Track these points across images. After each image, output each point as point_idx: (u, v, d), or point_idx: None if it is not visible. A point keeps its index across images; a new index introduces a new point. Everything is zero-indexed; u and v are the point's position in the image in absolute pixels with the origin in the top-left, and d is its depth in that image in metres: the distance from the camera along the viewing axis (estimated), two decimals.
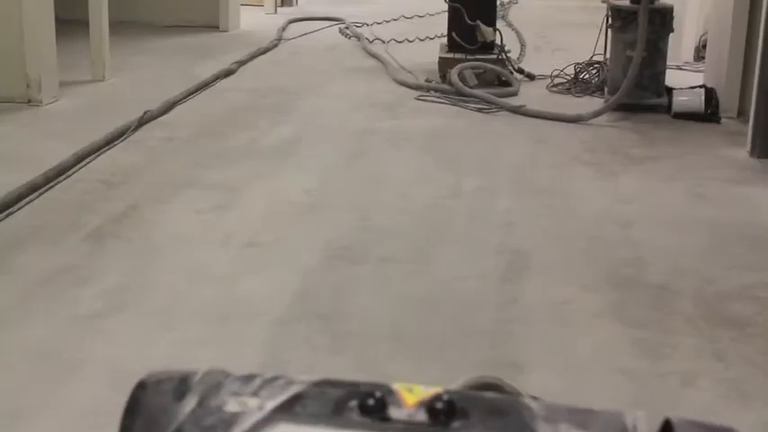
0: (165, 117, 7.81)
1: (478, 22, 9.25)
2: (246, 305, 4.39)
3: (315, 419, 0.94)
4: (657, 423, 0.95)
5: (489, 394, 1.03)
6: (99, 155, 6.64)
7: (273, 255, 4.99)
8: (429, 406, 0.94)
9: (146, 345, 3.99)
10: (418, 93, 8.81)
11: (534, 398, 1.86)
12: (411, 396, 0.96)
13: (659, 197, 6.02)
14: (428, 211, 5.71)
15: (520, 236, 5.31)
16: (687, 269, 4.85)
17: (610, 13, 8.49)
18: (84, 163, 6.41)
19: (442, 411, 0.94)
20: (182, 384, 0.99)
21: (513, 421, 0.95)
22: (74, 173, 6.20)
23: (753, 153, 6.95)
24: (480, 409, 0.96)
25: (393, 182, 6.26)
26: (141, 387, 1.00)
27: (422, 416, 0.94)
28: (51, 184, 5.95)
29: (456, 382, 1.70)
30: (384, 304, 4.44)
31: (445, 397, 0.95)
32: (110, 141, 6.94)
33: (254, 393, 0.97)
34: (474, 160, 6.78)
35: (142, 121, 7.49)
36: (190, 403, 0.97)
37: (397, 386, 0.97)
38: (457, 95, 8.58)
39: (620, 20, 8.22)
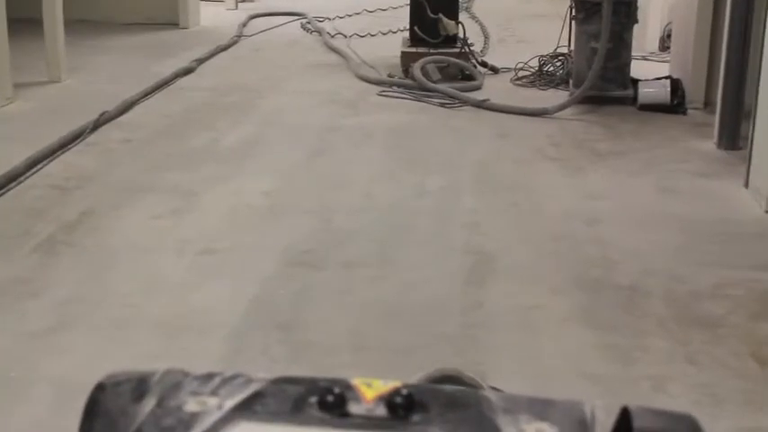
0: (122, 118, 7.62)
1: (440, 15, 9.11)
2: (202, 316, 4.24)
3: (274, 417, 0.94)
4: (616, 412, 0.96)
5: (449, 387, 1.04)
6: (53, 159, 6.45)
7: (230, 262, 4.83)
8: (388, 400, 0.94)
9: (97, 361, 3.82)
10: (380, 88, 8.66)
11: (494, 388, 1.80)
12: (370, 391, 0.96)
13: (627, 193, 5.90)
14: (391, 212, 5.57)
15: (485, 236, 5.18)
16: (657, 268, 4.73)
17: (573, 4, 8.36)
18: (37, 168, 6.22)
19: (401, 405, 0.94)
20: (141, 385, 0.98)
21: (473, 413, 0.95)
22: (26, 179, 6.01)
23: (720, 145, 6.84)
24: (440, 402, 0.95)
25: (355, 181, 6.11)
26: (100, 389, 0.98)
27: (381, 410, 0.94)
28: (2, 191, 5.77)
29: (415, 376, 1.73)
30: (345, 312, 4.30)
31: (404, 391, 0.95)
32: (64, 144, 6.75)
33: (214, 392, 0.96)
34: (438, 157, 6.64)
35: (99, 123, 7.31)
36: (149, 404, 0.96)
37: (355, 381, 0.97)
38: (420, 90, 8.43)
39: (583, 11, 8.10)
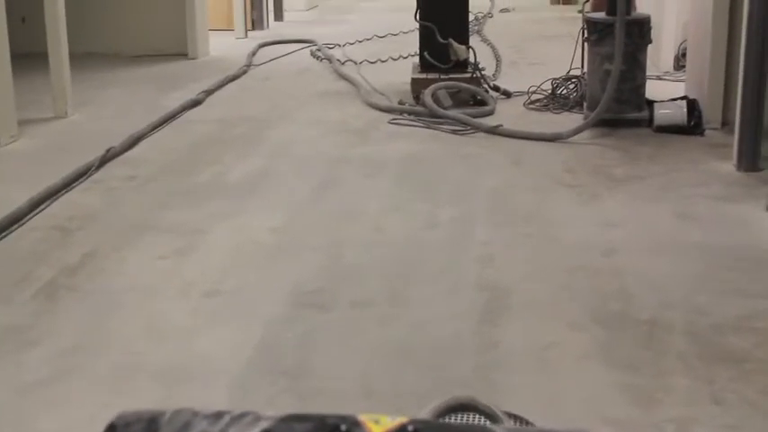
0: (128, 153, 7.49)
1: (450, 39, 8.96)
2: (206, 363, 4.08)
3: None
4: None
5: (456, 423, 1.14)
6: (56, 199, 6.32)
7: (236, 304, 4.67)
8: None
9: (96, 414, 3.67)
10: (391, 116, 8.51)
11: (510, 414, 1.92)
12: (377, 427, 0.97)
13: (645, 220, 5.73)
14: (402, 246, 5.41)
15: (499, 270, 5.01)
16: (678, 300, 4.55)
17: (585, 25, 8.20)
18: (40, 209, 6.09)
19: None
20: (151, 425, 1.00)
21: None
22: (28, 220, 5.88)
23: (739, 167, 6.66)
24: None
25: (365, 214, 5.95)
26: (111, 429, 1.00)
27: None
28: (3, 233, 5.63)
29: (431, 404, 1.79)
30: (354, 356, 4.13)
31: (410, 427, 0.96)
32: (68, 183, 6.62)
33: (223, 431, 0.97)
34: (450, 187, 6.48)
35: (104, 160, 7.18)
36: None
37: (363, 418, 0.97)
38: (431, 117, 8.28)
39: (596, 33, 7.94)
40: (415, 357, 4.09)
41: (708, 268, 4.94)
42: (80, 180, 6.74)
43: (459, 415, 1.85)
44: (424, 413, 1.78)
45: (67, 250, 5.42)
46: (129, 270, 5.15)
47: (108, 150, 7.30)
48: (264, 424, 0.97)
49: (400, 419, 0.97)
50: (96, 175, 6.86)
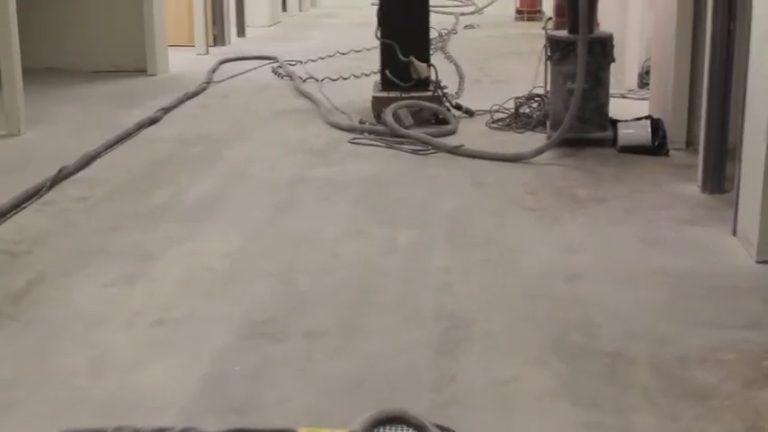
0: (82, 173, 7.30)
1: (412, 57, 8.82)
2: (150, 398, 3.88)
3: None
4: None
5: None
6: (4, 221, 6.12)
7: (184, 334, 4.48)
8: None
9: None
10: (352, 135, 8.35)
11: (441, 427, 2.01)
12: None
13: (608, 245, 5.59)
14: (359, 272, 5.24)
15: (458, 299, 4.84)
16: (642, 331, 4.40)
17: (548, 44, 8.08)
18: None
19: None
20: None
21: None
22: None
23: (704, 189, 6.54)
24: None
25: (322, 239, 5.78)
26: None
27: None
28: None
29: (361, 417, 1.90)
30: (306, 390, 3.95)
31: None
32: (18, 204, 6.43)
33: None
34: (410, 210, 6.33)
35: (57, 180, 6.99)
36: None
37: (303, 430, 1.06)
38: (392, 137, 8.14)
39: (558, 51, 7.82)
40: (368, 392, 3.91)
41: (673, 296, 4.80)
42: (30, 201, 6.54)
43: (390, 427, 1.94)
44: (356, 425, 1.89)
45: (12, 276, 5.22)
46: (74, 298, 4.95)
47: (60, 170, 7.11)
48: None
49: (340, 431, 0.95)
50: (48, 196, 6.67)
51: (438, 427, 1.99)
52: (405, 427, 1.93)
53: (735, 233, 5.63)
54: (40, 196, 6.64)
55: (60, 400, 3.91)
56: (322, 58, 12.92)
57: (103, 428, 0.92)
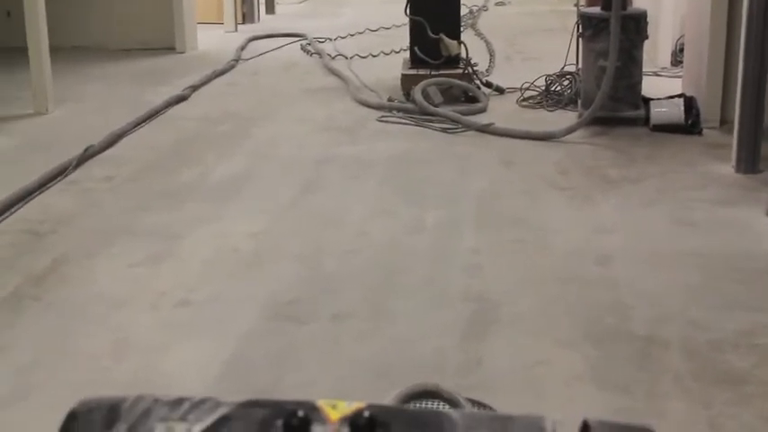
0: (108, 152, 7.25)
1: (442, 35, 8.70)
2: (172, 381, 3.84)
3: None
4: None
5: (413, 408, 1.16)
6: (30, 200, 6.08)
7: (208, 316, 4.43)
8: (351, 421, 0.97)
9: None
10: (380, 113, 8.26)
11: (475, 402, 2.04)
12: (334, 412, 0.98)
13: (640, 226, 5.48)
14: (386, 253, 5.17)
15: (486, 280, 4.76)
16: (674, 313, 4.30)
17: (580, 21, 7.95)
18: (11, 211, 5.86)
19: (364, 426, 0.96)
20: (111, 412, 1.00)
21: None
22: None
23: (738, 168, 6.41)
24: (401, 422, 0.97)
25: (349, 219, 5.71)
26: (72, 418, 1.00)
27: (345, 431, 0.96)
28: None
29: (396, 391, 1.85)
30: (331, 373, 3.89)
31: (366, 412, 0.97)
32: (43, 184, 6.39)
33: (182, 418, 0.98)
34: (438, 189, 6.24)
35: (83, 159, 6.94)
36: (119, 431, 0.97)
37: (321, 403, 0.99)
38: (421, 115, 8.04)
39: (590, 28, 7.69)
40: (394, 375, 3.84)
41: (706, 279, 4.70)
42: (56, 180, 6.50)
43: (423, 401, 1.92)
44: (389, 399, 1.83)
45: (36, 256, 5.18)
46: (99, 278, 4.91)
47: (87, 149, 7.06)
48: (224, 410, 0.99)
49: (357, 404, 0.99)
50: (73, 176, 6.62)
51: (472, 401, 1.99)
52: (438, 402, 1.91)
53: None
54: (66, 176, 6.60)
55: (82, 381, 3.87)
56: (351, 35, 12.80)
57: (123, 397, 0.97)
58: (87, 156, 7.02)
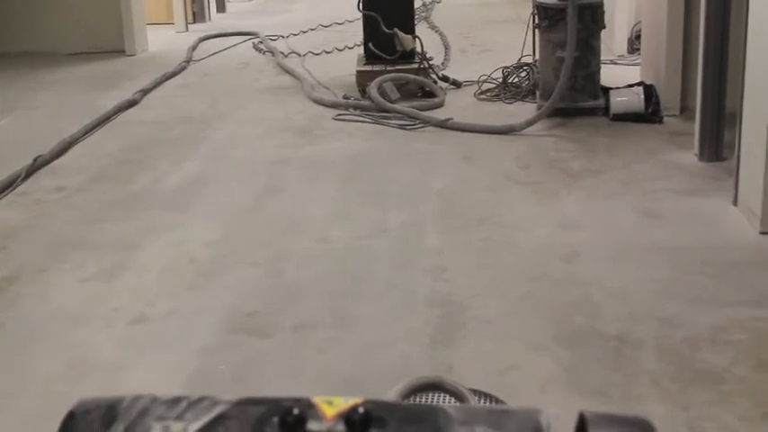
0: (58, 161, 7.06)
1: (396, 29, 8.57)
2: None
3: None
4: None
5: (408, 403, 1.25)
6: None
7: (166, 331, 4.28)
8: (347, 417, 0.97)
9: None
10: (336, 111, 8.11)
11: (478, 392, 1.95)
12: (330, 409, 0.99)
13: (606, 220, 5.37)
14: (348, 257, 5.04)
15: (452, 283, 4.63)
16: (646, 311, 4.20)
17: (536, 11, 7.85)
18: None
19: (359, 422, 0.96)
20: (109, 412, 1.01)
21: (429, 426, 0.98)
22: None
23: (702, 156, 6.32)
24: (397, 417, 0.98)
25: (309, 223, 5.57)
26: (71, 417, 1.01)
27: (340, 427, 0.97)
28: None
29: (399, 384, 1.81)
30: (297, 386, 3.76)
31: (361, 408, 0.98)
32: None
33: (179, 417, 0.99)
34: (398, 188, 6.11)
35: (32, 169, 6.75)
36: (117, 430, 0.99)
37: (317, 400, 1.00)
38: (378, 112, 7.90)
39: (547, 19, 7.58)
40: (361, 386, 3.72)
41: (676, 273, 4.60)
42: (4, 193, 6.31)
43: (426, 394, 1.89)
44: (392, 393, 1.80)
45: None
46: (51, 296, 4.74)
47: (36, 159, 6.87)
48: (220, 408, 0.99)
49: (354, 400, 0.99)
50: (22, 187, 6.44)
51: (476, 393, 1.94)
52: (442, 395, 1.89)
53: (736, 203, 5.43)
54: (15, 187, 6.41)
55: (35, 409, 3.71)
56: (304, 32, 12.63)
57: (121, 397, 0.99)
58: (37, 166, 6.83)
